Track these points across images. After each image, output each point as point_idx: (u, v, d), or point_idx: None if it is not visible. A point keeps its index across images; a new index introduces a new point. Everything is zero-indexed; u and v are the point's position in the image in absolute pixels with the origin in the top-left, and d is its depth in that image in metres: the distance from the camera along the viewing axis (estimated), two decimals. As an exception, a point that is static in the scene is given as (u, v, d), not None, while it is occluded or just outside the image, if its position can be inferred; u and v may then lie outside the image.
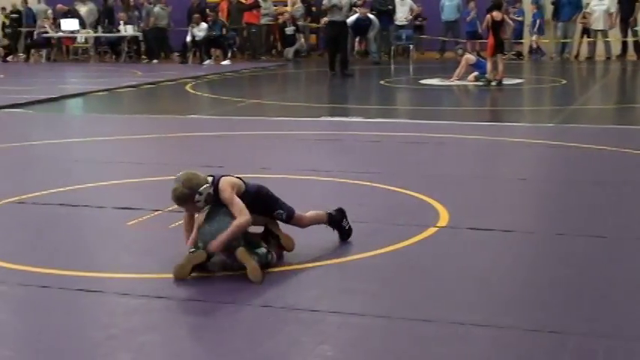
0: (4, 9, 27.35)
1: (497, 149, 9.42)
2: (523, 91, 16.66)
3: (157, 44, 25.36)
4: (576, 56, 23.13)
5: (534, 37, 23.29)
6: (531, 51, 23.65)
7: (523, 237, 5.79)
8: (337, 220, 5.60)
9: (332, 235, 5.58)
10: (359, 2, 20.45)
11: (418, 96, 16.40)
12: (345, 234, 5.59)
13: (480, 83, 16.40)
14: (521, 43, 23.53)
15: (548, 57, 23.48)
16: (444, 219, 6.12)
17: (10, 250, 5.65)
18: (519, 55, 23.57)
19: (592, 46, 23.14)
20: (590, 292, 4.65)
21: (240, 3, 24.92)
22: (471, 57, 17.35)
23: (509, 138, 9.90)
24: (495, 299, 4.55)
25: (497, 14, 16.18)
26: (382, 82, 17.53)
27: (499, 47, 16.30)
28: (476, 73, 16.81)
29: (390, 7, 23.03)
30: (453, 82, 16.88)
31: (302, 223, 5.48)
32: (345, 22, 19.22)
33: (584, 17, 22.90)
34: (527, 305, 4.48)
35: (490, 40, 16.32)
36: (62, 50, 26.88)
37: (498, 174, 8.05)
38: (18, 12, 27.49)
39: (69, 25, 25.81)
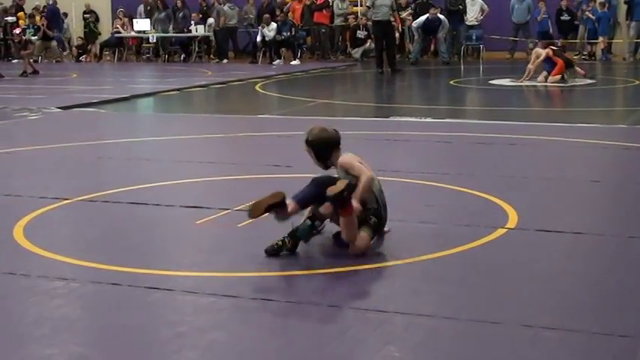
0: (36, 8, 27.47)
1: (569, 150, 9.27)
2: (595, 91, 16.38)
3: (226, 44, 25.56)
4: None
5: (602, 38, 22.87)
6: (602, 51, 23.24)
7: (593, 239, 5.70)
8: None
9: (396, 235, 5.55)
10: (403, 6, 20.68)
11: (488, 96, 16.24)
12: None
13: (549, 83, 16.22)
14: (595, 43, 23.14)
15: (620, 57, 23.04)
16: (513, 220, 6.05)
17: (82, 247, 5.76)
18: (591, 55, 23.18)
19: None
20: (664, 296, 4.55)
21: (312, 3, 24.98)
22: (540, 50, 17.05)
23: (581, 139, 9.74)
24: (564, 302, 4.49)
25: (549, 50, 16.54)
26: (452, 82, 17.41)
27: (568, 66, 16.58)
28: (545, 73, 16.60)
29: (461, 6, 22.85)
30: (524, 82, 16.68)
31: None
32: (389, 21, 19.44)
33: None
34: (597, 309, 4.41)
35: (559, 63, 16.48)
36: (133, 50, 27.26)
37: (570, 175, 7.92)
38: (92, 12, 27.96)
39: (141, 25, 26.17)
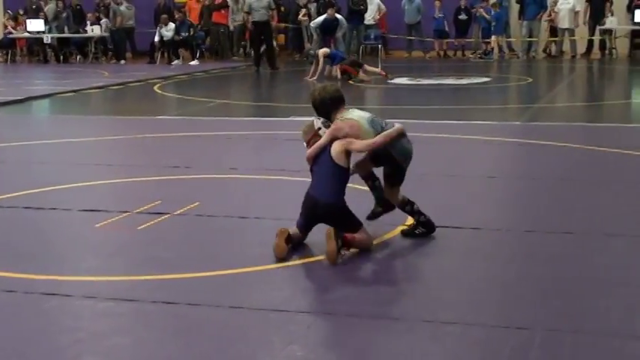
0: None
1: (466, 147, 9.45)
2: (490, 89, 16.76)
3: (123, 44, 25.23)
4: (548, 55, 23.30)
5: (495, 37, 23.42)
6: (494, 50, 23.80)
7: (491, 234, 5.82)
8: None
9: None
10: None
11: (386, 95, 16.45)
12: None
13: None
14: (489, 42, 23.66)
15: (512, 55, 23.63)
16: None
17: (-24, 253, 5.60)
18: (486, 53, 23.69)
19: (559, 44, 23.36)
20: (558, 287, 4.68)
21: (210, 3, 24.85)
22: (325, 50, 18.30)
23: (477, 136, 9.94)
24: (464, 296, 4.57)
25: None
26: (351, 81, 17.54)
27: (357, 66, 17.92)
28: (335, 67, 17.91)
29: (363, 7, 23.09)
30: (316, 78, 17.60)
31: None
32: (266, 22, 20.65)
33: (550, 16, 23.09)
34: (496, 302, 4.51)
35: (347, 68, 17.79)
36: (25, 51, 26.65)
37: (467, 172, 8.08)
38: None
39: (35, 25, 25.58)
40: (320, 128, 5.54)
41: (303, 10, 24.76)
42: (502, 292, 4.67)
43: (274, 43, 23.18)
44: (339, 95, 5.67)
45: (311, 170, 5.56)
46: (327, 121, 5.58)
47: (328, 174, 5.41)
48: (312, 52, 19.06)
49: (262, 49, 21.05)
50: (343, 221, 5.29)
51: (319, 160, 5.46)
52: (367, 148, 5.49)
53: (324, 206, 5.31)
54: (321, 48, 18.94)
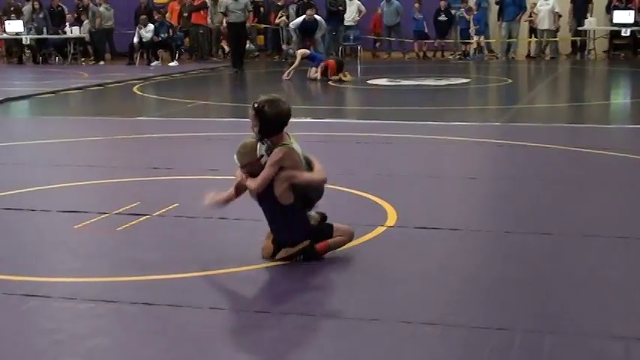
0: None
1: (446, 148, 9.48)
2: (469, 90, 16.82)
3: (103, 45, 25.14)
4: (527, 55, 23.40)
5: (476, 37, 23.53)
6: (475, 51, 23.89)
7: (471, 235, 5.84)
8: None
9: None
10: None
11: (366, 96, 16.47)
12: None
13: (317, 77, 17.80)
14: (469, 43, 23.74)
15: (491, 57, 23.73)
16: (392, 218, 6.15)
17: (-46, 255, 5.56)
18: (465, 55, 23.78)
19: (538, 45, 23.46)
20: (537, 288, 4.70)
21: (190, 4, 24.82)
22: (304, 51, 18.41)
23: (456, 137, 9.97)
24: (444, 297, 4.59)
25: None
26: (330, 82, 17.55)
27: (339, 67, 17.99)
28: (313, 68, 18.05)
29: (341, 7, 23.11)
30: (290, 77, 17.90)
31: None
32: (242, 23, 21.05)
33: (530, 17, 23.20)
34: (476, 303, 4.52)
35: (331, 64, 18.01)
36: (5, 52, 26.52)
37: (447, 173, 8.11)
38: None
39: (14, 26, 25.43)
40: (262, 156, 5.06)
41: (281, 12, 24.80)
42: (482, 293, 4.68)
43: (248, 45, 23.33)
44: (290, 116, 5.20)
45: (260, 204, 5.22)
46: (269, 145, 5.08)
47: (280, 215, 5.11)
48: (291, 51, 19.12)
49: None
50: (315, 241, 5.17)
51: (265, 195, 5.08)
52: (308, 182, 5.13)
53: (293, 243, 5.14)
54: (299, 48, 19.01)
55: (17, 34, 25.38)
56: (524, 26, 23.61)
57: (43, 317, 4.39)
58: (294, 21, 21.13)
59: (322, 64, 18.00)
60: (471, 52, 23.80)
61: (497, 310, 4.39)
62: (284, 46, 24.46)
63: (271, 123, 5.07)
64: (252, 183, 5.06)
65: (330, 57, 18.50)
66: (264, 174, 5.01)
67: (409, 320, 4.19)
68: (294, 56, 18.44)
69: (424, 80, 17.95)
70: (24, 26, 25.21)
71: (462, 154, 9.26)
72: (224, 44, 25.10)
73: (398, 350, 3.88)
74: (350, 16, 23.54)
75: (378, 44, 24.98)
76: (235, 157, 5.14)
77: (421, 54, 24.65)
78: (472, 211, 6.72)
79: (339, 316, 4.30)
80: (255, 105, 5.07)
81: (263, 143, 5.06)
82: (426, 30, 24.29)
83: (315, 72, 18.05)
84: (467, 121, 11.56)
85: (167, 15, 24.79)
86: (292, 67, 18.07)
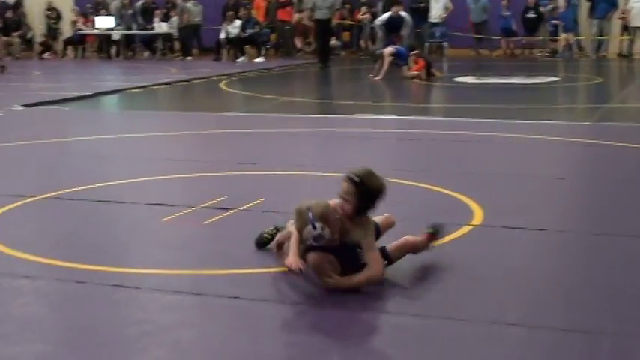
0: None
1: (534, 148, 9.35)
2: (558, 89, 16.55)
3: (190, 41, 25.50)
4: (619, 54, 22.90)
5: (565, 35, 23.13)
6: (564, 49, 23.50)
7: (557, 236, 5.75)
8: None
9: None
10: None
11: (452, 93, 16.35)
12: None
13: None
14: (557, 40, 23.36)
15: (581, 55, 23.29)
16: (478, 218, 6.09)
17: (47, 245, 5.71)
18: (554, 52, 23.40)
19: (631, 43, 22.91)
20: (625, 291, 4.60)
21: (276, 0, 25.00)
22: (390, 49, 18.20)
23: (545, 136, 9.83)
24: (529, 298, 4.52)
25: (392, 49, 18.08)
26: (416, 79, 17.47)
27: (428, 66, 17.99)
28: (405, 67, 17.95)
29: (423, 4, 22.98)
30: (382, 77, 17.67)
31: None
32: (328, 20, 21.19)
33: (623, 14, 22.69)
34: (562, 305, 4.45)
35: (420, 63, 17.94)
36: (96, 47, 27.11)
37: (535, 172, 7.99)
38: (53, 9, 27.75)
39: (104, 22, 25.99)
40: (320, 237, 4.46)
41: (364, 9, 24.77)
42: (568, 295, 4.60)
43: (333, 41, 23.39)
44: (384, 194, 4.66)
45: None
46: (324, 230, 4.46)
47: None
48: (377, 51, 19.03)
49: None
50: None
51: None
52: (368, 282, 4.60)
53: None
54: (386, 47, 18.91)
55: (107, 29, 25.93)
56: (616, 23, 23.12)
57: (132, 308, 4.47)
58: (380, 17, 21.12)
59: (411, 60, 17.84)
60: (560, 49, 23.42)
61: (584, 312, 4.31)
62: (363, 43, 24.45)
63: (371, 200, 4.59)
64: (378, 268, 4.59)
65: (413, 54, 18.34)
66: (378, 257, 4.64)
67: (495, 321, 4.14)
68: (380, 55, 18.30)
69: (511, 78, 17.74)
70: (114, 22, 25.75)
71: (551, 154, 9.12)
72: (297, 41, 25.22)
73: (483, 351, 3.84)
74: (436, 13, 23.40)
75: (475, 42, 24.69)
76: (310, 214, 4.48)
77: (508, 51, 24.36)
78: (559, 211, 6.61)
79: (424, 315, 4.27)
80: (355, 179, 4.57)
81: (320, 228, 4.45)
82: (514, 27, 23.99)
83: (408, 69, 17.86)
84: (555, 120, 11.38)
85: (253, 11, 25.00)
86: (383, 69, 17.87)
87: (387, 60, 17.85)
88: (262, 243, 5.31)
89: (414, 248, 4.99)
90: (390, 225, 5.22)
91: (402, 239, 4.98)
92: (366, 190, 4.52)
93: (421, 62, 17.91)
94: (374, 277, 4.56)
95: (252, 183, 7.58)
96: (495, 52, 24.23)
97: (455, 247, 5.44)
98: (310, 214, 4.43)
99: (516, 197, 6.95)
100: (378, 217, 5.04)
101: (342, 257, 4.58)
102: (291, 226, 4.81)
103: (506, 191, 7.13)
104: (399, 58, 17.99)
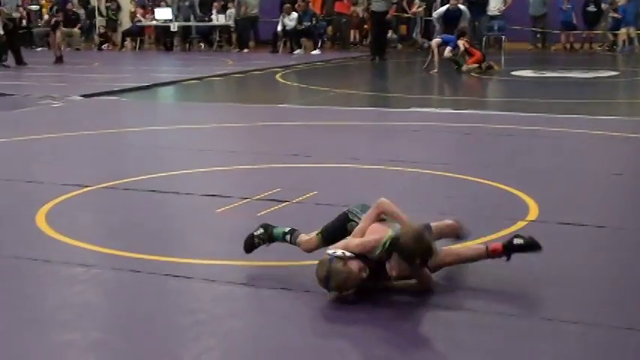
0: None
1: (592, 143, 9.22)
2: (618, 83, 16.29)
3: (247, 33, 25.61)
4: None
5: (626, 29, 22.74)
6: (624, 43, 23.11)
7: (615, 233, 5.66)
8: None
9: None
10: None
11: (509, 87, 16.19)
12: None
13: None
14: (618, 34, 22.98)
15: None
16: (533, 213, 6.03)
17: (103, 234, 5.79)
18: (614, 46, 23.03)
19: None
20: (685, 291, 4.52)
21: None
22: (438, 40, 18.23)
23: (603, 131, 9.68)
24: (585, 296, 4.46)
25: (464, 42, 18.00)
26: (473, 73, 17.34)
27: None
28: (449, 48, 17.83)
29: (480, -3, 22.79)
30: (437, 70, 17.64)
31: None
32: (384, 12, 21.02)
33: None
34: (618, 303, 4.38)
35: (476, 54, 17.91)
36: (154, 39, 27.39)
37: (592, 168, 7.87)
38: (113, 0, 28.07)
39: (163, 14, 26.21)
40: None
41: (417, 1, 24.66)
42: (624, 293, 4.53)
43: (390, 34, 23.32)
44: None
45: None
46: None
47: None
48: (425, 44, 18.99)
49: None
50: None
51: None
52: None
53: None
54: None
55: (165, 21, 26.16)
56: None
57: (184, 297, 4.51)
58: (438, 10, 20.97)
59: (461, 44, 17.78)
60: (620, 44, 23.05)
61: (642, 311, 4.24)
62: (416, 36, 24.38)
63: (408, 260, 4.29)
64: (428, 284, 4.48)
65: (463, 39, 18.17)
66: (428, 274, 4.49)
67: (549, 317, 4.09)
68: (428, 48, 18.26)
69: (570, 72, 17.50)
70: (172, 13, 25.97)
71: (609, 149, 8.98)
72: (354, 33, 25.24)
73: (537, 348, 3.79)
74: (495, 5, 23.17)
75: (538, 35, 24.40)
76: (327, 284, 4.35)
77: (568, 45, 24.03)
78: (617, 208, 6.51)
79: (476, 310, 4.24)
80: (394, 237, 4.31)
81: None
82: (574, 21, 23.66)
83: (449, 51, 17.83)
84: (614, 115, 11.20)
85: (310, 4, 25.02)
86: (434, 61, 17.82)
87: (436, 52, 17.80)
88: (252, 246, 4.95)
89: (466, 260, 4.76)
90: (449, 232, 4.93)
91: (455, 251, 4.75)
92: (401, 250, 4.23)
93: (478, 54, 17.80)
94: (423, 290, 4.44)
95: (306, 175, 7.59)
96: (554, 46, 23.92)
97: (509, 242, 5.37)
98: (327, 284, 4.32)
99: (573, 193, 6.86)
100: (437, 222, 4.89)
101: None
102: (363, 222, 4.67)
103: (563, 187, 7.04)
104: (447, 44, 17.94)
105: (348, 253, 4.32)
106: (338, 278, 4.25)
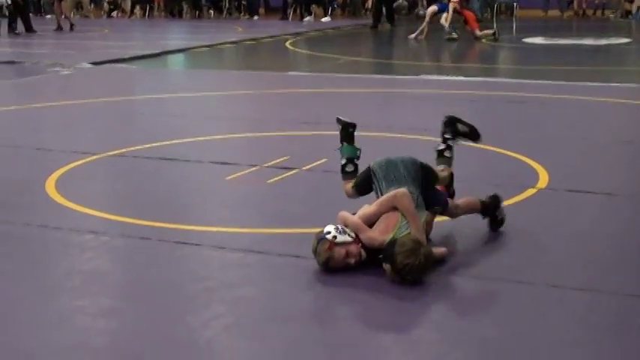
0: None
1: (602, 110, 9.17)
2: (630, 50, 16.17)
3: (257, 0, 25.50)
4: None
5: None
6: (638, 9, 22.92)
7: (624, 200, 5.64)
8: (490, 208, 4.94)
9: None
10: None
11: (520, 54, 16.09)
12: (496, 224, 4.94)
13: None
14: (631, 1, 22.79)
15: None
16: (543, 180, 6.01)
17: (112, 201, 5.80)
18: (627, 13, 22.85)
19: None
20: (695, 258, 4.51)
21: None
22: (433, 8, 18.23)
23: (614, 99, 9.63)
24: (594, 263, 4.46)
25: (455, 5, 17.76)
26: (484, 40, 17.23)
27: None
28: (445, 14, 17.75)
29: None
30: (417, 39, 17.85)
31: (454, 214, 4.88)
32: None
33: None
34: (626, 270, 4.37)
35: (469, 15, 17.84)
36: (163, 6, 27.28)
37: (603, 136, 7.84)
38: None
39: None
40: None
41: None
42: (633, 261, 4.52)
43: (400, 1, 23.22)
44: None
45: None
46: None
47: None
48: (421, 12, 18.91)
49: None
50: None
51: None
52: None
53: None
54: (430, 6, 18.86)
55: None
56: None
57: (194, 264, 4.52)
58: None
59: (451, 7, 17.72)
60: (634, 10, 22.85)
61: (651, 278, 4.23)
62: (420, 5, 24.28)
63: (416, 272, 4.18)
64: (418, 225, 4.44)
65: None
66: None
67: (557, 285, 4.09)
68: (423, 16, 18.20)
69: (582, 39, 17.39)
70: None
71: (620, 117, 8.94)
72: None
73: (545, 315, 3.79)
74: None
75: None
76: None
77: (580, 12, 23.86)
78: (627, 176, 6.48)
79: (485, 277, 4.24)
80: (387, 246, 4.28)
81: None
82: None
83: (445, 18, 17.73)
84: (626, 82, 11.13)
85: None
86: (420, 27, 17.82)
87: (428, 19, 17.94)
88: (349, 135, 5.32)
89: (475, 209, 4.91)
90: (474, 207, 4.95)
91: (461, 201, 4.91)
92: (390, 258, 4.16)
93: (469, 14, 17.73)
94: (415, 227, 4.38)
95: (315, 143, 7.58)
96: (566, 13, 23.74)
97: (519, 209, 5.37)
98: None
99: (583, 160, 6.83)
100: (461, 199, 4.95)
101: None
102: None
103: (573, 154, 7.01)
104: (441, 12, 17.89)
105: (347, 237, 4.32)
106: (320, 258, 4.33)
